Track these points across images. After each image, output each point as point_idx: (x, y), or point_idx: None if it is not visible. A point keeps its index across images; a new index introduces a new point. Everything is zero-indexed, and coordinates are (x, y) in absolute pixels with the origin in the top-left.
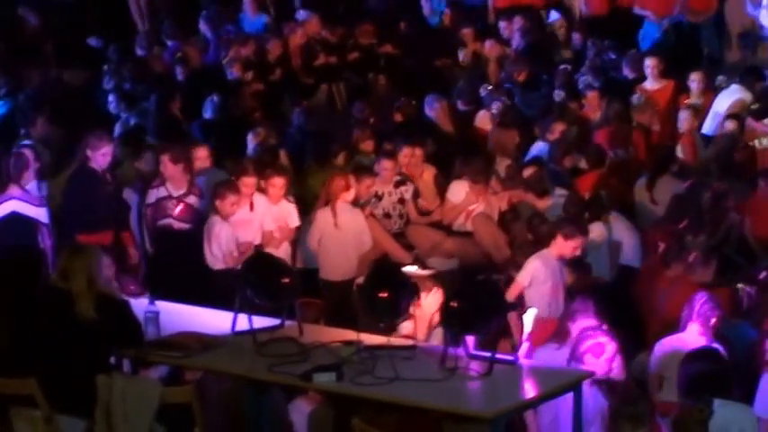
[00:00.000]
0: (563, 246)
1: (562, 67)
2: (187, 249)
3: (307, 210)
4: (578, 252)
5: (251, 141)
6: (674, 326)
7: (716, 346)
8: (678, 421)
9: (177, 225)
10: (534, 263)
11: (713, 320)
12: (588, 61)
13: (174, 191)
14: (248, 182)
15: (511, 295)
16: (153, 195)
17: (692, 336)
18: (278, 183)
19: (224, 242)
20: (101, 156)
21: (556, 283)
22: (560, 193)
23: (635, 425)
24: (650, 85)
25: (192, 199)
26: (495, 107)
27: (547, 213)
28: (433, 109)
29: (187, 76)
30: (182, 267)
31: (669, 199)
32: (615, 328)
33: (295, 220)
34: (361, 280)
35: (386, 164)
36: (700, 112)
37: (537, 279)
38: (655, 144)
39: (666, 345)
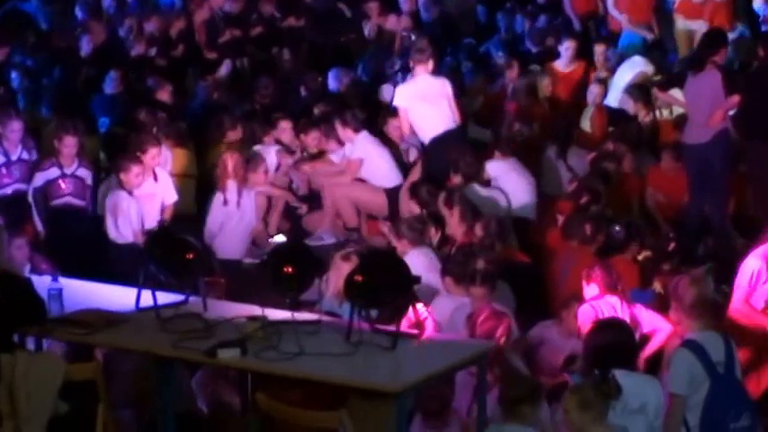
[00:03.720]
0: None
1: (467, 41)
2: (84, 224)
3: (208, 185)
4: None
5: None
6: (577, 297)
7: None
8: (580, 391)
9: (72, 201)
10: None
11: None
12: (498, 35)
13: (66, 168)
14: (152, 152)
15: None
16: (42, 178)
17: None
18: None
19: (134, 217)
20: (11, 132)
21: None
22: None
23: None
24: (563, 66)
25: (82, 172)
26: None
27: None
28: (340, 83)
29: (91, 50)
30: (81, 243)
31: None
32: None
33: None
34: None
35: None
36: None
37: None
38: (560, 115)
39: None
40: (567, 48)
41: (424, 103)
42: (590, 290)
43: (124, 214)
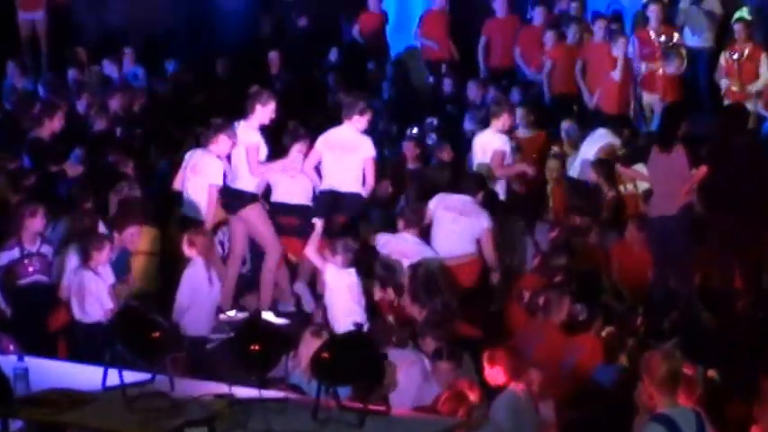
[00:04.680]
0: None
1: (429, 120)
2: (49, 302)
3: (173, 262)
4: None
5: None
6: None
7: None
8: None
9: (40, 279)
10: None
11: None
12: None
13: (29, 247)
14: (131, 230)
15: None
16: (5, 257)
17: None
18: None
19: (103, 296)
20: None
21: None
22: None
23: None
24: (522, 132)
25: (45, 248)
26: None
27: None
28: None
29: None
30: (46, 321)
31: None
32: None
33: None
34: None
35: None
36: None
37: None
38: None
39: None
40: (519, 116)
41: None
42: (494, 373)
43: (93, 295)
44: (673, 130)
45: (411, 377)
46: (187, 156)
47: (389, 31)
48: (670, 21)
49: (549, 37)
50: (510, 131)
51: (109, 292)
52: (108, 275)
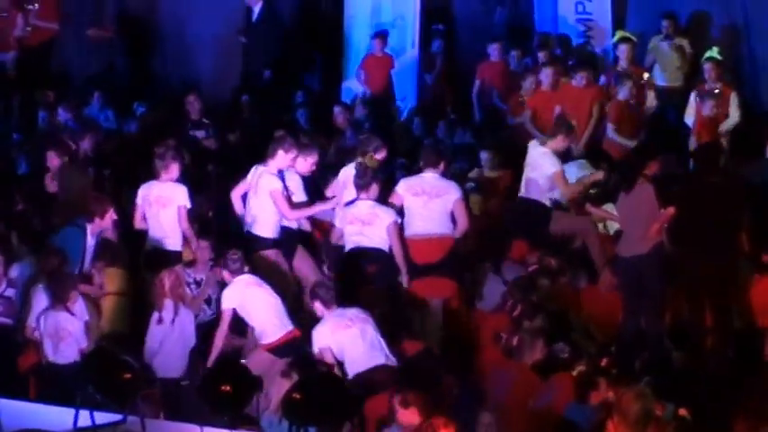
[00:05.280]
0: None
1: (400, 161)
2: (17, 344)
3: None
4: None
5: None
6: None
7: None
8: None
9: (4, 321)
10: None
11: None
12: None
13: None
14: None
15: None
16: None
17: None
18: None
19: (80, 336)
20: None
21: None
22: None
23: None
24: (487, 173)
25: (10, 291)
26: None
27: None
28: None
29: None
30: (15, 363)
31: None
32: None
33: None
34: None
35: None
36: None
37: None
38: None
39: None
40: (483, 159)
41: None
42: (408, 414)
43: (72, 336)
44: (640, 170)
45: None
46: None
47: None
48: (639, 61)
49: (529, 82)
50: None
51: (84, 331)
52: (83, 313)
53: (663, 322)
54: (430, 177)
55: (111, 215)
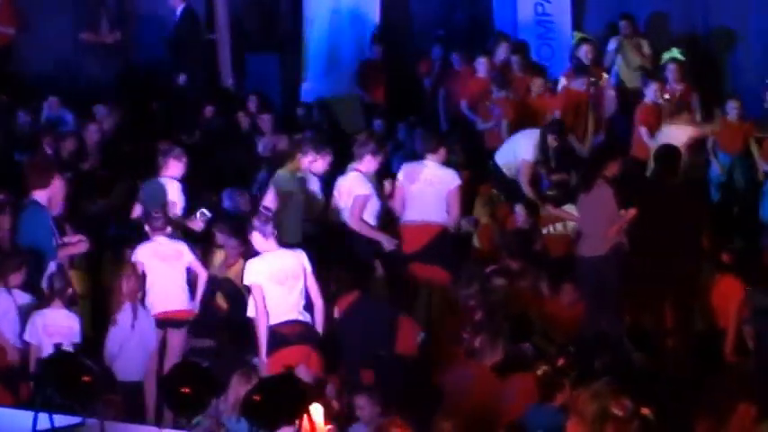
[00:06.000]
0: None
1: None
2: None
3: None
4: None
5: None
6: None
7: None
8: None
9: None
10: None
11: None
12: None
13: None
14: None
15: None
16: None
17: None
18: None
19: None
20: None
21: None
22: None
23: None
24: None
25: None
26: None
27: None
28: (235, 203)
29: None
30: None
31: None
32: None
33: None
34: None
35: None
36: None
37: None
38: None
39: None
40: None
41: None
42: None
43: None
44: (599, 171)
45: None
46: None
47: (318, 75)
48: (599, 62)
49: (538, 85)
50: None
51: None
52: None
53: (623, 323)
54: (429, 164)
55: (56, 182)
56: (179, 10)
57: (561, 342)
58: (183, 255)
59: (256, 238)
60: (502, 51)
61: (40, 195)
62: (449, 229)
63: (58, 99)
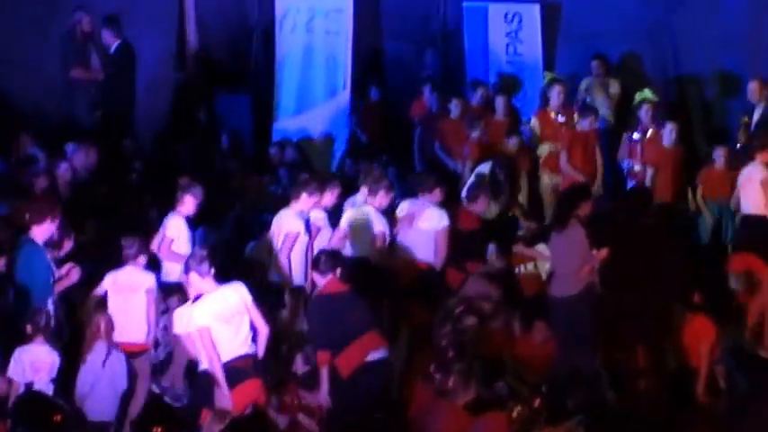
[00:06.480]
0: None
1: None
2: None
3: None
4: None
5: None
6: None
7: None
8: None
9: None
10: None
11: None
12: None
13: None
14: None
15: None
16: None
17: None
18: None
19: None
20: None
21: None
22: None
23: None
24: None
25: None
26: None
27: None
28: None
29: None
30: None
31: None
32: None
33: None
34: None
35: None
36: None
37: None
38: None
39: None
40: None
41: None
42: None
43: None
44: (570, 210)
45: None
46: None
47: (290, 115)
48: (569, 103)
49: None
50: None
51: None
52: None
53: (596, 362)
54: (423, 204)
55: (49, 223)
56: (114, 47)
57: (534, 381)
58: (141, 287)
59: (194, 279)
60: (479, 96)
61: (36, 232)
62: (435, 268)
63: (30, 137)
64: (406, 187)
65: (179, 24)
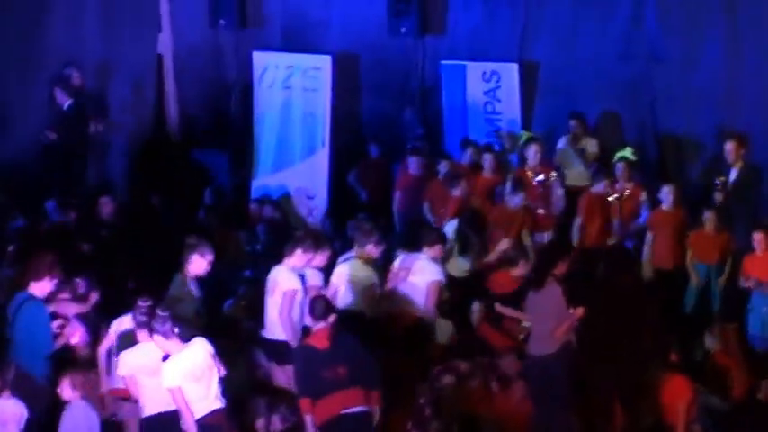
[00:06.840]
0: None
1: None
2: None
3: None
4: None
5: None
6: None
7: None
8: None
9: None
10: None
11: None
12: None
13: None
14: None
15: None
16: None
17: None
18: None
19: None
20: None
21: None
22: None
23: None
24: None
25: None
26: None
27: None
28: None
29: None
30: None
31: None
32: None
33: None
34: None
35: None
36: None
37: None
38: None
39: None
40: None
41: None
42: None
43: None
44: (548, 269)
45: None
46: None
47: (268, 172)
48: (547, 161)
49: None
50: None
51: None
52: None
53: (572, 421)
54: (423, 257)
55: (49, 279)
56: (66, 105)
57: None
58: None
59: (159, 341)
60: (468, 155)
61: (35, 288)
62: (426, 319)
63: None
64: (393, 242)
65: (157, 81)
